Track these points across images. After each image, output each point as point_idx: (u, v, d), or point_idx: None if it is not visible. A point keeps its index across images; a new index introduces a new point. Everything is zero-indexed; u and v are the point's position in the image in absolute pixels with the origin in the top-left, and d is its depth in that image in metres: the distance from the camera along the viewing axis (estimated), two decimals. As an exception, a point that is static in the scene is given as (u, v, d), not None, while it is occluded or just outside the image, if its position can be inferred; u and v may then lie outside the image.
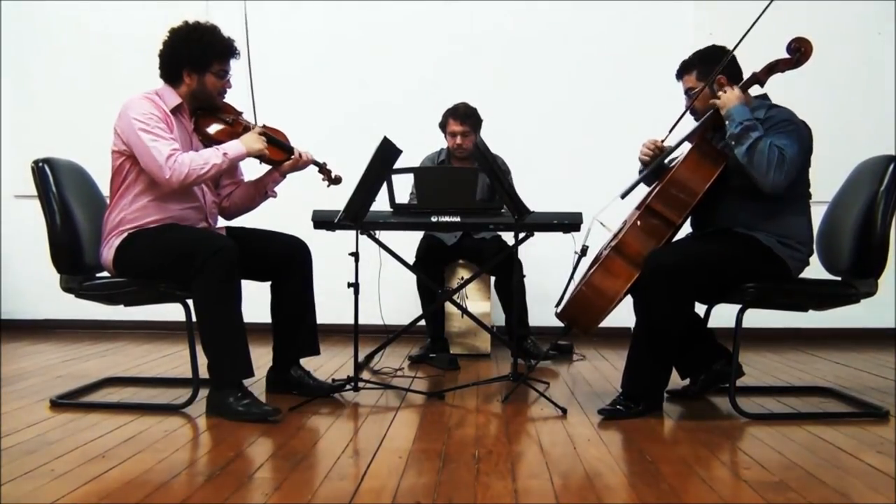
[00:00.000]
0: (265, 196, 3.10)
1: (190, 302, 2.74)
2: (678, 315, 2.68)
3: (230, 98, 2.96)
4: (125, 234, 2.78)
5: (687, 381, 3.04)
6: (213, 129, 2.90)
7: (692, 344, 2.90)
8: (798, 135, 2.65)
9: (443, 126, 4.03)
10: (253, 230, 3.03)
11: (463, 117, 3.95)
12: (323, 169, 3.12)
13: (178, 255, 2.67)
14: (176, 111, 2.83)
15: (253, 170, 3.13)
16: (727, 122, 2.67)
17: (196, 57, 2.80)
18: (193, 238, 2.73)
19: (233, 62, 2.88)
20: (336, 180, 3.13)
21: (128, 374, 3.44)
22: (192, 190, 2.84)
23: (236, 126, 2.93)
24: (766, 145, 2.58)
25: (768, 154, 2.56)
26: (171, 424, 2.55)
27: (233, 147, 2.81)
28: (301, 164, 3.05)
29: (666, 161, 2.91)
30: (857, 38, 4.77)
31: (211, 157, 2.74)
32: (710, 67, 2.78)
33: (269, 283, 3.04)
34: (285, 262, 2.98)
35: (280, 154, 3.00)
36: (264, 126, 2.96)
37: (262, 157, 2.93)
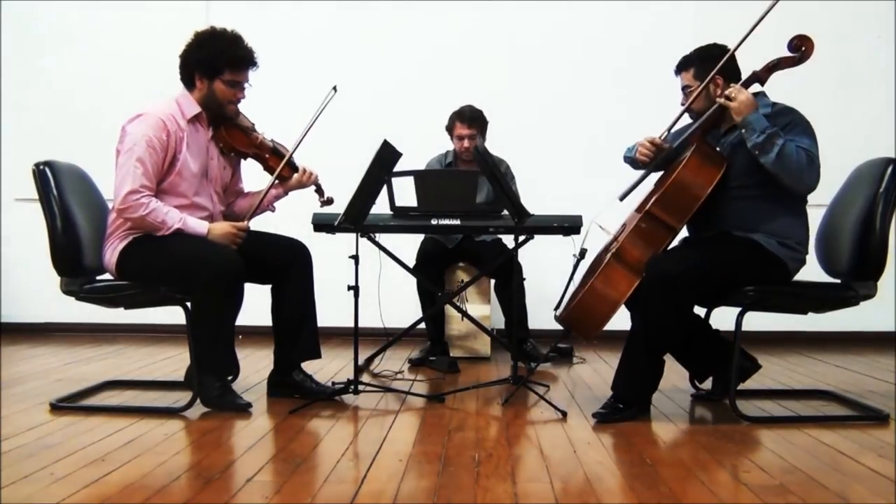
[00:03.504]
0: (265, 209, 3.13)
1: (190, 304, 2.76)
2: (679, 322, 2.67)
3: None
4: (130, 238, 2.79)
5: (699, 384, 3.06)
6: (232, 136, 2.93)
7: (700, 345, 2.90)
8: (812, 132, 2.65)
9: (449, 129, 4.02)
10: (253, 233, 3.03)
11: (469, 120, 3.95)
12: (319, 189, 3.16)
13: (183, 268, 2.71)
14: (194, 120, 2.84)
15: (256, 176, 3.14)
16: (744, 131, 2.60)
17: (207, 61, 2.80)
18: (198, 251, 2.74)
19: (252, 74, 2.87)
20: (329, 201, 3.18)
21: (128, 377, 3.44)
22: (203, 199, 2.88)
23: (253, 136, 2.97)
24: (793, 149, 2.55)
25: (797, 157, 2.55)
26: (170, 428, 2.54)
27: (196, 225, 2.79)
28: (305, 183, 3.09)
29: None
30: (856, 40, 4.77)
31: (168, 222, 2.73)
32: (708, 66, 2.75)
33: (269, 286, 3.04)
34: (285, 266, 2.98)
35: (287, 170, 3.04)
36: (272, 140, 3.04)
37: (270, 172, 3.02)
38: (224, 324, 2.79)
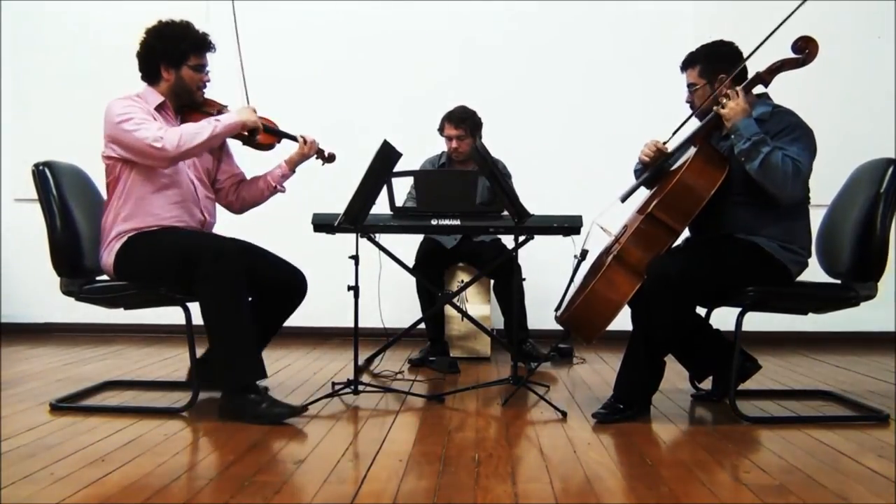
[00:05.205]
0: (274, 191, 3.10)
1: (190, 304, 2.74)
2: (680, 324, 2.67)
3: (217, 93, 2.98)
4: (125, 238, 2.78)
5: (698, 384, 3.06)
6: (197, 120, 2.89)
7: (700, 345, 2.90)
8: (808, 140, 2.62)
9: (440, 130, 4.03)
10: (260, 249, 2.98)
11: (457, 121, 3.95)
12: (320, 152, 3.14)
13: (182, 261, 2.66)
14: (160, 109, 2.84)
15: (261, 162, 3.13)
16: (733, 136, 2.60)
17: (171, 51, 2.82)
18: (196, 242, 2.72)
19: (210, 57, 2.90)
20: (330, 158, 3.14)
21: (127, 377, 3.44)
22: (182, 178, 2.84)
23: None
24: (778, 158, 2.52)
25: (782, 167, 2.52)
26: (170, 428, 2.54)
27: (226, 116, 2.83)
28: (308, 154, 3.08)
29: (668, 166, 2.89)
30: (856, 40, 4.77)
31: (204, 125, 2.75)
32: (713, 65, 2.73)
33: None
34: (279, 291, 2.94)
35: (271, 139, 3.02)
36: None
37: (254, 132, 2.92)
38: (242, 313, 2.64)
